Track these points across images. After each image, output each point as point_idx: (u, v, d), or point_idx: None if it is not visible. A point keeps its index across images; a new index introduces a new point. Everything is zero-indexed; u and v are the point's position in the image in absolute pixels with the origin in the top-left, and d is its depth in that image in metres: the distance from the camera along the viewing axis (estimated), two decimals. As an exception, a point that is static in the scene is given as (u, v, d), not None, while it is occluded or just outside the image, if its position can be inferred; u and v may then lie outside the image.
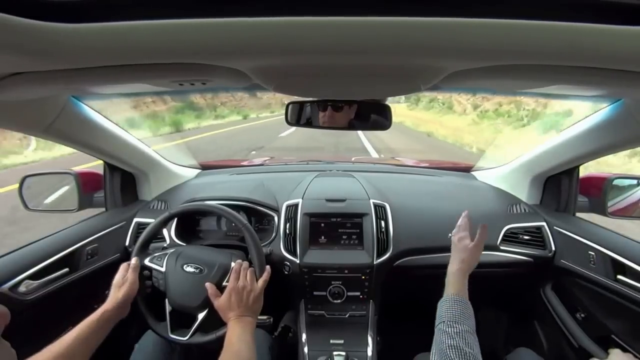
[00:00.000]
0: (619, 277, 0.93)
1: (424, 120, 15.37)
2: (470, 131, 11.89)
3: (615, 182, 1.11)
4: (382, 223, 1.14)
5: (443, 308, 0.76)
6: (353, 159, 2.08)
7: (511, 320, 1.47)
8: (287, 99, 0.91)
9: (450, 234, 0.94)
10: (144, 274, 0.92)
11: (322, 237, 1.14)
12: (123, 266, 0.90)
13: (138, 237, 1.03)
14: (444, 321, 0.72)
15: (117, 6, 0.34)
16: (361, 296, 1.12)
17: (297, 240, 1.12)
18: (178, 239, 1.14)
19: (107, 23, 0.34)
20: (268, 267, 0.91)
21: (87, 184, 1.23)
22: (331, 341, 1.07)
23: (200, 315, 0.86)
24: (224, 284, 0.86)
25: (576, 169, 1.15)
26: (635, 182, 1.13)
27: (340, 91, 0.65)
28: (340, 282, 1.11)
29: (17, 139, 7.46)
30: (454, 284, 0.81)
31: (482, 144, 9.21)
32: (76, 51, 0.37)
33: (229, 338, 0.75)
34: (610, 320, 1.01)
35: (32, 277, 0.90)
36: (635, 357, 0.84)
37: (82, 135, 1.00)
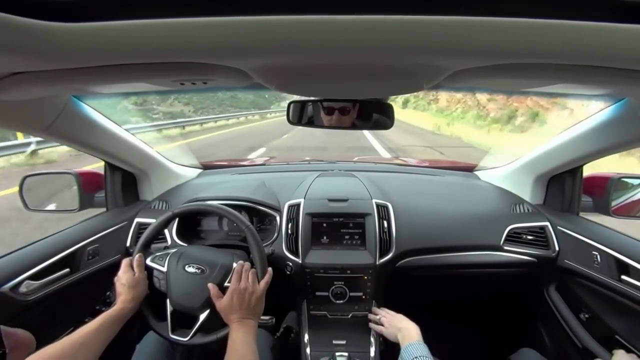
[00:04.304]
0: (623, 277, 0.92)
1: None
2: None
3: (619, 181, 1.10)
4: (385, 223, 1.14)
5: None
6: (355, 158, 2.08)
7: (514, 321, 1.47)
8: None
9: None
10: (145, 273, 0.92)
11: (324, 237, 1.14)
12: (125, 262, 0.91)
13: (139, 237, 1.03)
14: None
15: (118, 5, 0.34)
16: (364, 297, 1.11)
17: (299, 240, 1.11)
18: (179, 239, 1.14)
19: (108, 22, 0.34)
20: (270, 268, 0.91)
21: (88, 184, 1.23)
22: (334, 342, 1.06)
23: (202, 316, 0.86)
24: (226, 284, 0.85)
25: (580, 168, 1.15)
26: (639, 181, 1.12)
27: (342, 90, 0.65)
28: (342, 283, 1.10)
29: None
30: None
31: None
32: (77, 50, 0.37)
33: (233, 342, 0.75)
34: (614, 321, 1.00)
35: (32, 277, 0.90)
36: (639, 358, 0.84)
37: (83, 135, 1.00)
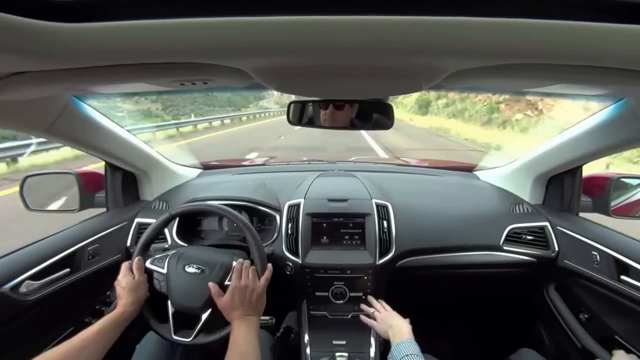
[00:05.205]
0: (623, 277, 0.92)
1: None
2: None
3: (619, 181, 1.10)
4: (385, 223, 1.14)
5: None
6: (353, 158, 2.07)
7: (514, 321, 1.47)
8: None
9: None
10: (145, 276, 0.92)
11: (324, 237, 1.14)
12: (125, 265, 0.90)
13: (139, 237, 1.03)
14: None
15: (119, 5, 0.34)
16: (364, 297, 1.11)
17: (299, 241, 1.11)
18: (179, 239, 1.14)
19: (109, 22, 0.34)
20: (270, 265, 0.91)
21: (88, 184, 1.23)
22: (334, 342, 1.06)
23: (204, 316, 0.86)
24: (226, 283, 0.86)
25: (579, 168, 1.15)
26: (639, 181, 1.12)
27: (342, 90, 0.65)
28: (342, 283, 1.10)
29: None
30: None
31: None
32: (77, 51, 0.37)
33: (235, 339, 0.75)
34: (613, 321, 1.00)
35: (33, 277, 0.90)
36: (639, 358, 0.84)
37: (84, 135, 1.00)
